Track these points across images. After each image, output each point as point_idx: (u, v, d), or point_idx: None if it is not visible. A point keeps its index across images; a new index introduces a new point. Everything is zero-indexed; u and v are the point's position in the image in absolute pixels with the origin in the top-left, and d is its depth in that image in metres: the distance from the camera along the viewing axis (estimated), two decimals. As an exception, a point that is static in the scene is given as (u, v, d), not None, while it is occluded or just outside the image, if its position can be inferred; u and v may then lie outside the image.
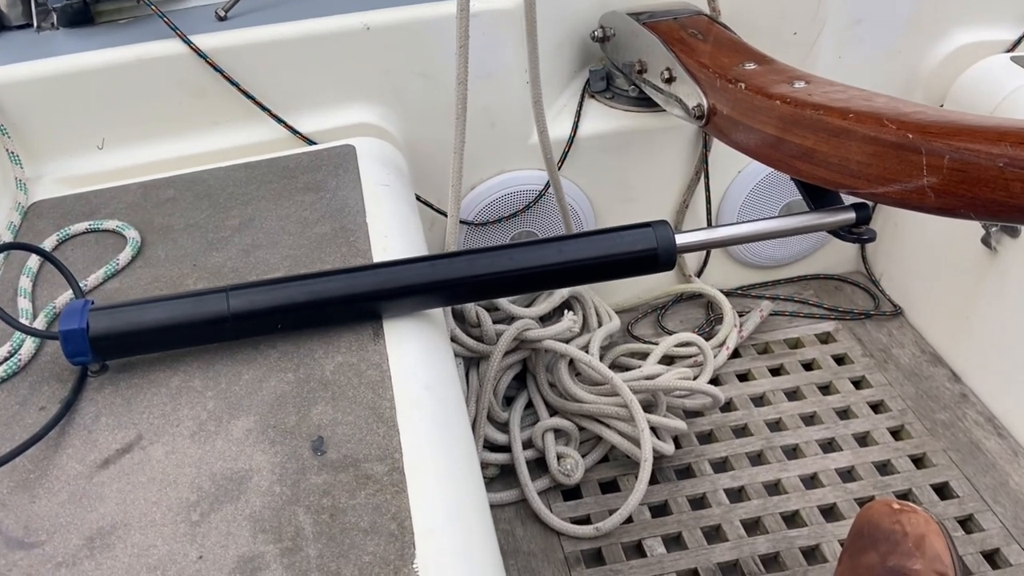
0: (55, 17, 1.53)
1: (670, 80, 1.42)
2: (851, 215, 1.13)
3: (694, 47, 1.40)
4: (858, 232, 1.14)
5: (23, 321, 1.07)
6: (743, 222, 1.15)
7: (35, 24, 1.53)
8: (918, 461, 1.56)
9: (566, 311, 1.61)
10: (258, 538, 0.80)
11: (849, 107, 1.04)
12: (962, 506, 1.47)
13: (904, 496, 1.50)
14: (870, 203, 1.13)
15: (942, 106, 1.68)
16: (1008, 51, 1.66)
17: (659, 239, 1.05)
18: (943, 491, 1.51)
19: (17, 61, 1.38)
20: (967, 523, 1.46)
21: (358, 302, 1.01)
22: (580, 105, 1.68)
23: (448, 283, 1.03)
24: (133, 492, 0.85)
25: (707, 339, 1.78)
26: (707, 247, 1.15)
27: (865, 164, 1.00)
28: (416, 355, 1.01)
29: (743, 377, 1.75)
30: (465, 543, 0.81)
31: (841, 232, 1.15)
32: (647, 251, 1.05)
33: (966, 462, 1.54)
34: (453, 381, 1.04)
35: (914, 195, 0.96)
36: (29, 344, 1.03)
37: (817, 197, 1.18)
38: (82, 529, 0.82)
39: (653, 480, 1.52)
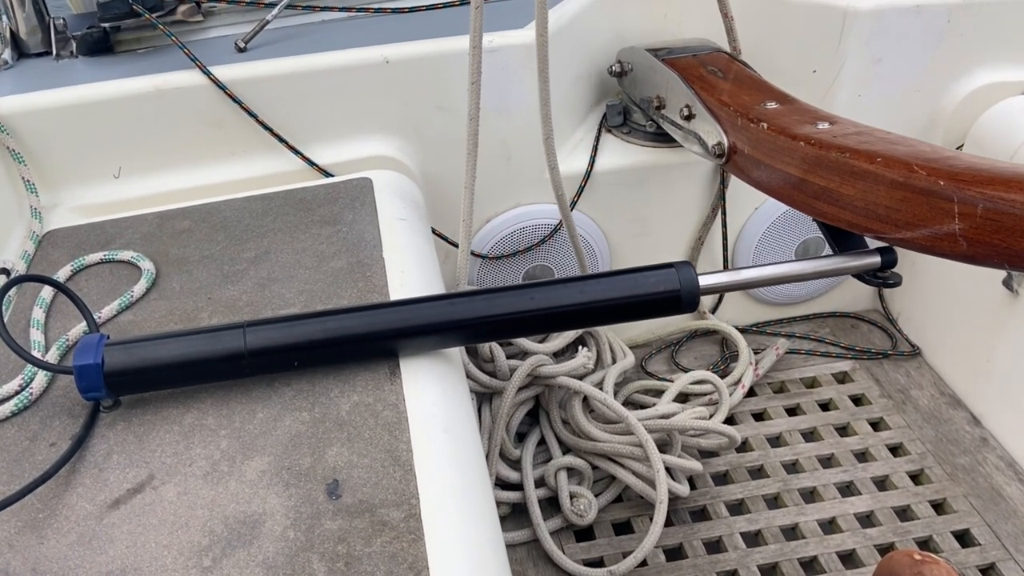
0: (74, 45, 1.53)
1: (690, 117, 1.41)
2: (876, 259, 1.12)
3: (714, 84, 1.39)
4: (883, 276, 1.13)
5: (35, 354, 1.05)
6: (766, 264, 1.14)
7: (54, 52, 1.53)
8: (938, 507, 1.53)
9: (580, 347, 1.59)
10: (271, 586, 0.77)
11: (876, 151, 1.02)
12: (984, 554, 1.43)
13: (925, 543, 1.47)
14: (896, 247, 1.11)
15: (962, 146, 1.67)
16: (1029, 92, 1.65)
17: (682, 281, 1.03)
18: (964, 538, 1.48)
19: (35, 89, 1.38)
20: (989, 572, 1.42)
21: (376, 340, 0.99)
22: (597, 139, 1.67)
23: (468, 322, 1.01)
24: (144, 535, 0.83)
25: (722, 376, 1.75)
26: (730, 290, 1.14)
27: (893, 209, 0.99)
28: (433, 395, 0.99)
29: (759, 416, 1.73)
30: (484, 595, 0.79)
31: (866, 276, 1.13)
32: (670, 293, 1.03)
33: (987, 508, 1.50)
34: (470, 422, 1.02)
35: (944, 242, 0.94)
36: (41, 377, 1.01)
37: (840, 240, 1.16)
38: (91, 573, 0.80)
39: (668, 522, 1.49)
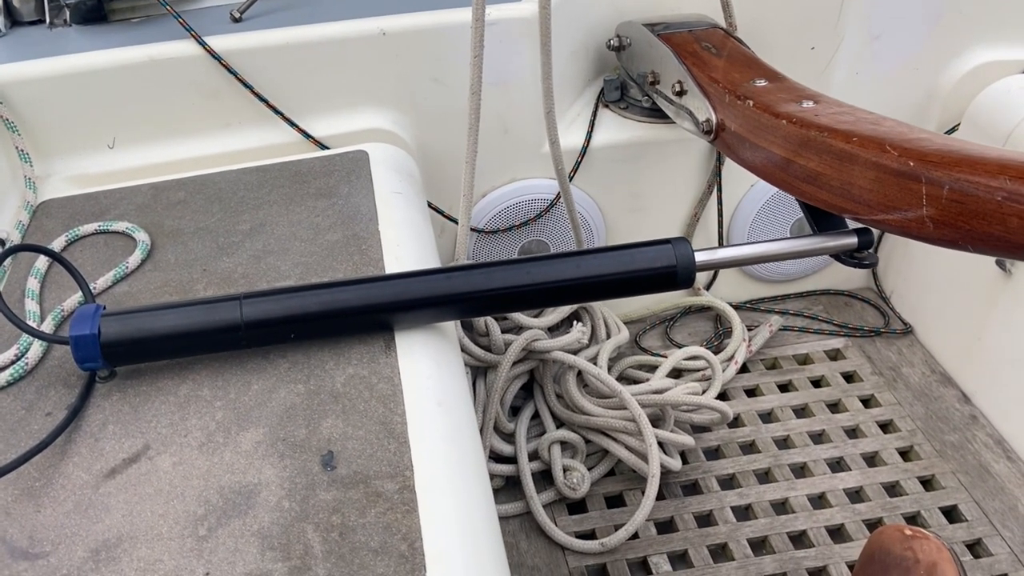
0: (68, 14, 1.51)
1: (681, 93, 1.41)
2: (853, 240, 1.12)
3: (707, 61, 1.39)
4: (860, 257, 1.13)
5: (31, 323, 1.05)
6: (752, 243, 1.15)
7: (47, 20, 1.52)
8: (927, 483, 1.55)
9: (575, 322, 1.60)
10: (266, 555, 0.78)
11: (854, 130, 1.02)
12: (971, 530, 1.45)
13: (913, 519, 1.49)
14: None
15: (958, 125, 1.67)
16: (1026, 71, 1.65)
17: (679, 257, 1.03)
18: (952, 514, 1.50)
19: (29, 58, 1.37)
20: (975, 547, 1.44)
21: (371, 313, 1.00)
22: (594, 114, 1.67)
23: (463, 296, 1.01)
24: (140, 504, 0.84)
25: (716, 352, 1.76)
26: (721, 266, 1.14)
27: (867, 190, 0.99)
28: (428, 368, 0.99)
29: (751, 392, 1.74)
30: (476, 566, 0.80)
31: (843, 256, 1.14)
32: (666, 268, 1.03)
33: (975, 485, 1.52)
34: (464, 396, 1.03)
35: (914, 224, 0.94)
36: (37, 347, 1.02)
37: (821, 219, 1.17)
38: (87, 541, 0.81)
39: (659, 496, 1.51)
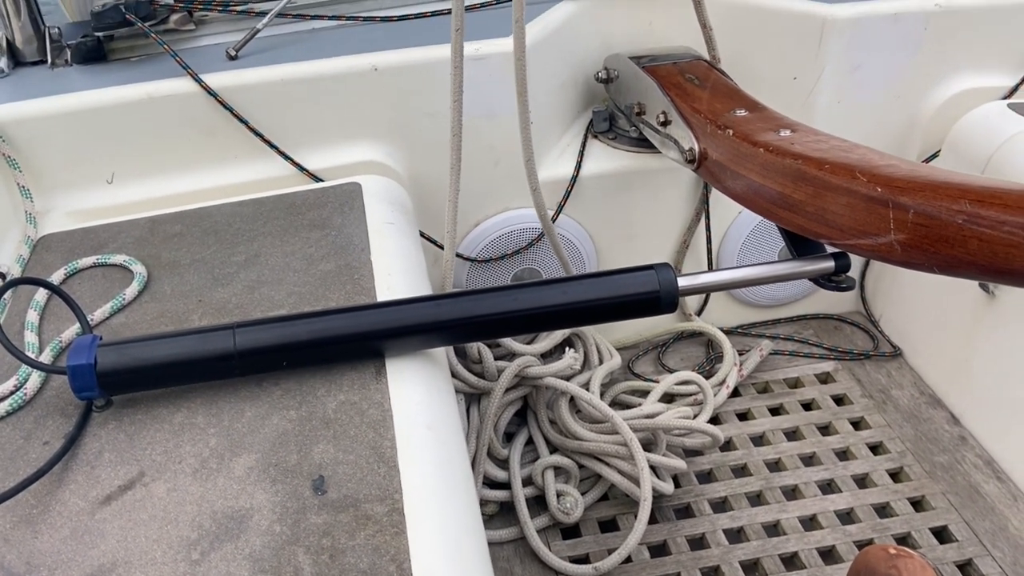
0: (69, 54, 1.56)
1: (666, 123, 1.45)
2: (831, 264, 1.15)
3: (690, 92, 1.43)
4: (837, 280, 1.16)
5: (29, 355, 1.08)
6: (734, 267, 1.18)
7: (49, 60, 1.56)
8: (917, 504, 1.56)
9: (567, 348, 1.62)
10: (258, 578, 0.80)
11: (826, 158, 1.06)
12: (961, 550, 1.46)
13: (903, 540, 1.50)
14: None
15: (938, 152, 1.70)
16: (1005, 97, 1.69)
17: (661, 282, 1.06)
18: (942, 535, 1.51)
19: (31, 97, 1.41)
20: (966, 568, 1.45)
21: (362, 341, 1.02)
22: (583, 145, 1.70)
23: (453, 323, 1.04)
24: (134, 529, 0.86)
25: (707, 377, 1.78)
26: (704, 291, 1.17)
27: (840, 215, 1.02)
28: (418, 394, 1.02)
29: (743, 416, 1.76)
30: (464, 586, 0.82)
31: (821, 280, 1.17)
32: (649, 294, 1.06)
33: (965, 506, 1.53)
34: (454, 420, 1.05)
35: (884, 248, 0.97)
36: (35, 378, 1.04)
37: (800, 245, 1.20)
38: (83, 566, 0.82)
39: (652, 519, 1.52)
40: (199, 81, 1.41)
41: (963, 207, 0.86)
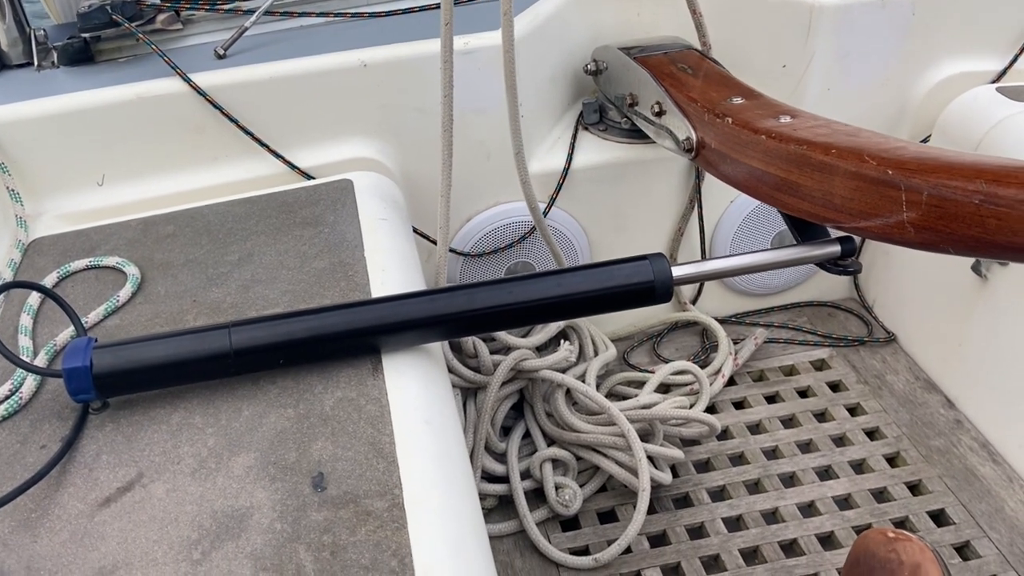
0: (55, 56, 1.55)
1: (660, 113, 1.45)
2: (836, 248, 1.15)
3: (684, 81, 1.43)
4: (844, 264, 1.16)
5: (24, 359, 1.07)
6: (734, 255, 1.17)
7: (36, 63, 1.55)
8: (914, 488, 1.57)
9: (562, 341, 1.62)
10: (260, 576, 0.80)
11: (832, 142, 1.06)
12: (958, 533, 1.47)
13: (901, 523, 1.51)
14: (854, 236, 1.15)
15: (929, 136, 1.71)
16: (994, 81, 1.69)
17: (656, 272, 1.06)
18: (939, 518, 1.51)
19: (18, 100, 1.40)
20: (963, 550, 1.46)
21: (358, 337, 1.02)
22: (574, 137, 1.70)
23: (447, 318, 1.04)
24: (134, 531, 0.85)
25: (703, 367, 1.79)
26: (701, 279, 1.17)
27: (847, 199, 1.02)
28: (415, 389, 1.02)
29: (739, 405, 1.76)
30: (466, 578, 0.82)
31: (827, 265, 1.17)
32: (644, 284, 1.06)
33: (962, 489, 1.54)
34: (451, 414, 1.05)
35: (895, 230, 0.97)
36: (30, 382, 1.03)
37: (803, 230, 1.20)
38: (84, 569, 0.82)
39: (651, 510, 1.52)
40: (188, 81, 1.40)
41: (979, 187, 0.87)
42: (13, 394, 1.02)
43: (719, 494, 1.58)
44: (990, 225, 0.88)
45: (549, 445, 1.58)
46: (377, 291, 1.16)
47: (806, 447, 1.66)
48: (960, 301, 1.66)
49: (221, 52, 1.49)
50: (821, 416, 1.72)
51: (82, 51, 1.54)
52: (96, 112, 1.40)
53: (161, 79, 1.42)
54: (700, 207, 1.79)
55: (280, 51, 1.50)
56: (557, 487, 1.54)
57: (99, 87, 1.41)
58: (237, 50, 1.51)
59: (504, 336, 1.58)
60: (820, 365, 1.84)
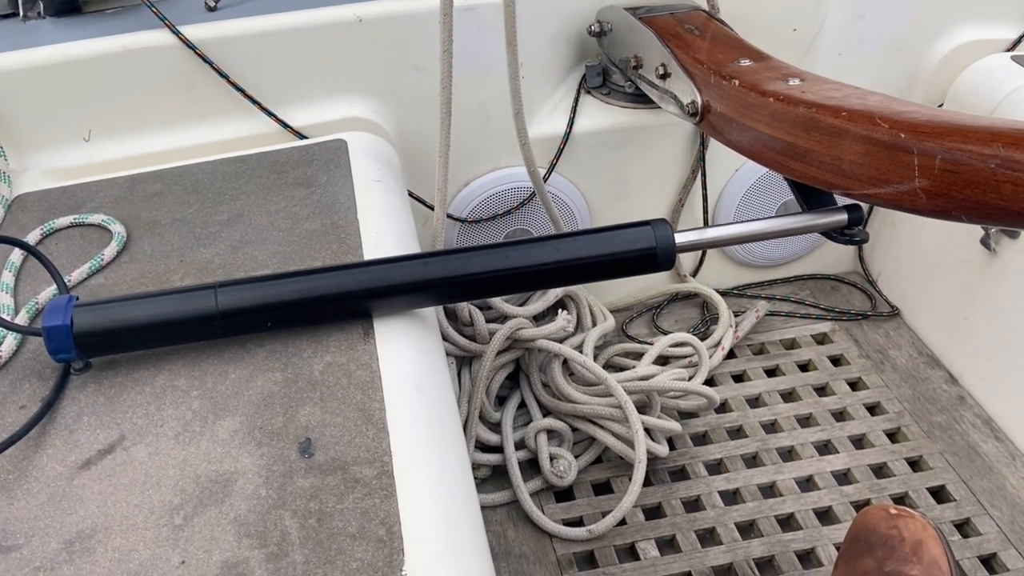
0: (41, 6, 1.49)
1: (665, 76, 1.40)
2: (843, 216, 1.12)
3: (690, 43, 1.38)
4: (851, 234, 1.13)
5: (5, 317, 1.04)
6: (738, 222, 1.14)
7: (21, 13, 1.50)
8: (915, 464, 1.54)
9: (560, 310, 1.59)
10: (243, 543, 0.77)
11: (842, 105, 1.02)
12: (959, 510, 1.45)
13: (901, 500, 1.49)
14: (863, 204, 1.11)
15: (941, 105, 1.66)
16: (1008, 50, 1.65)
17: (658, 238, 1.02)
18: (940, 495, 1.49)
19: (2, 51, 1.35)
20: (964, 527, 1.44)
21: (349, 300, 0.98)
22: (576, 101, 1.66)
23: (441, 282, 1.00)
24: (115, 494, 0.83)
25: (702, 339, 1.76)
26: (704, 247, 1.14)
27: (857, 164, 0.98)
28: (407, 355, 0.98)
29: (738, 378, 1.73)
30: (456, 549, 0.79)
31: (833, 233, 1.14)
32: (646, 250, 1.03)
33: (963, 465, 1.52)
34: (444, 382, 1.02)
35: (906, 197, 0.94)
36: (10, 340, 1.00)
37: (810, 197, 1.16)
38: (61, 532, 0.79)
39: (647, 482, 1.50)
40: (176, 33, 1.36)
41: (996, 151, 0.83)
42: (-8, 353, 0.99)
43: (716, 467, 1.56)
44: (1006, 191, 0.84)
45: (545, 415, 1.56)
46: (370, 254, 1.12)
47: (805, 421, 1.63)
48: (967, 275, 1.62)
49: (212, 4, 1.44)
50: (821, 390, 1.70)
51: (69, 1, 1.49)
52: (82, 64, 1.35)
53: (149, 31, 1.37)
54: (704, 175, 1.75)
55: (273, 4, 1.44)
56: (552, 458, 1.51)
57: (86, 38, 1.37)
58: (228, 3, 1.45)
59: (500, 304, 1.55)
60: (822, 339, 1.81)
